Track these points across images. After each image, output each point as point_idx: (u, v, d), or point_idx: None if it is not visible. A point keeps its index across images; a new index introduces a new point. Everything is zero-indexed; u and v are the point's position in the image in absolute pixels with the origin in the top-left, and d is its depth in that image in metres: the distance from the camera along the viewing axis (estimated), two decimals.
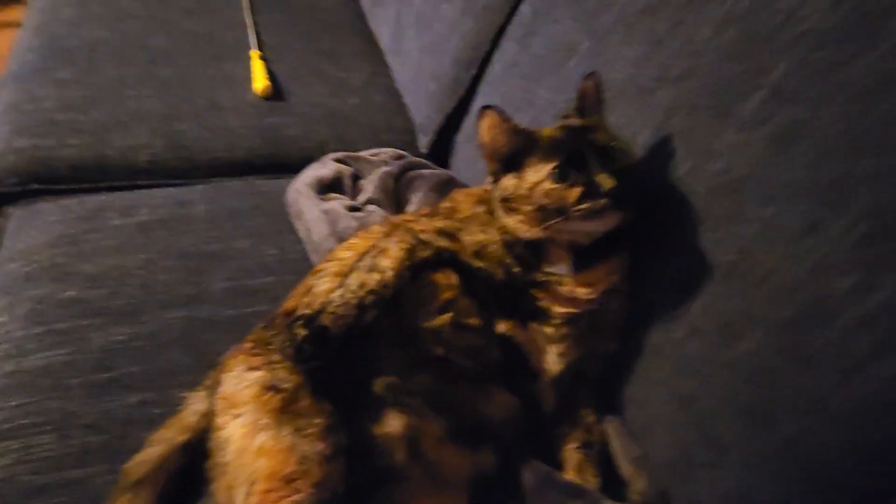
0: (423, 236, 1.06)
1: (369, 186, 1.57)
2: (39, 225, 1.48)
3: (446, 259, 1.05)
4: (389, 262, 1.01)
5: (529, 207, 1.02)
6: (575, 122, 1.06)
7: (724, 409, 0.92)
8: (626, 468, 1.01)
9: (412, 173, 1.57)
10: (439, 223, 1.12)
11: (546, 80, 1.39)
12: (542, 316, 1.05)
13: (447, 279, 1.04)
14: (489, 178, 1.10)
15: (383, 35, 2.20)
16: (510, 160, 1.06)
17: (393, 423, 0.97)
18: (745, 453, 0.89)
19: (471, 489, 1.03)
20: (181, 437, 1.03)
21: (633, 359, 1.06)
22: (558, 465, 1.04)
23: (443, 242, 1.06)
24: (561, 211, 0.99)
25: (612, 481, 1.01)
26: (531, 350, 1.06)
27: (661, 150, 1.08)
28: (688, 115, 1.05)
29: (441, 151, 1.81)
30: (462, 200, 1.18)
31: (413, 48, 1.95)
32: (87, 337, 1.24)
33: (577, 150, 0.99)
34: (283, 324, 1.04)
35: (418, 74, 1.91)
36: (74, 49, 1.99)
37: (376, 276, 1.00)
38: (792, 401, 0.84)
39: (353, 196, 1.58)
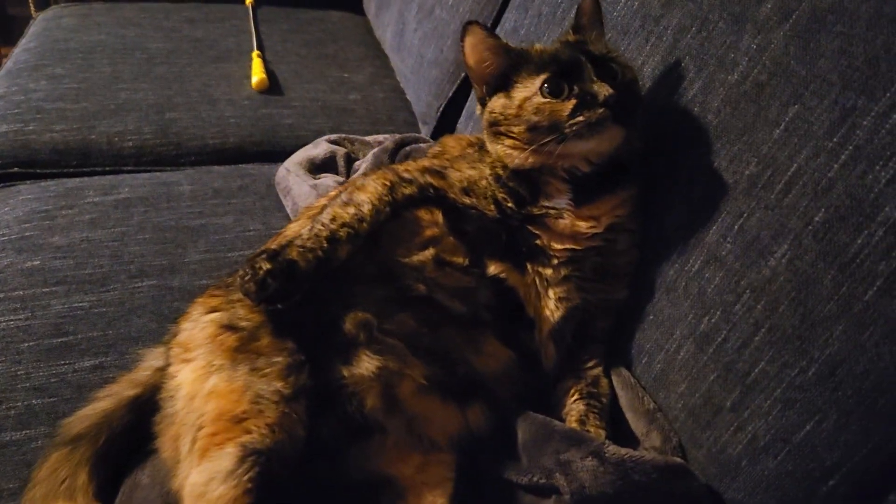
0: (405, 174, 0.95)
1: (364, 165, 1.48)
2: (14, 203, 1.40)
3: (432, 197, 0.94)
4: (367, 196, 0.90)
5: (520, 128, 0.90)
6: (570, 37, 0.96)
7: (749, 340, 0.79)
8: (637, 423, 0.87)
9: (408, 148, 1.48)
10: (425, 162, 1.01)
11: (548, 36, 1.29)
12: (540, 256, 0.93)
13: (432, 216, 0.93)
14: (478, 107, 0.99)
15: (387, 36, 2.15)
16: (499, 81, 0.95)
17: (364, 365, 0.84)
18: (774, 388, 0.75)
19: (460, 450, 0.89)
20: (130, 392, 0.92)
21: (644, 302, 0.93)
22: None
23: (428, 179, 0.95)
24: (554, 128, 0.87)
25: (622, 437, 0.86)
26: (528, 295, 0.93)
27: (672, 74, 0.97)
28: (699, 32, 0.94)
29: None
30: (452, 144, 1.08)
31: (415, 39, 1.89)
32: (46, 304, 1.15)
33: (571, 61, 0.89)
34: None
35: (419, 65, 1.84)
36: (72, 50, 1.96)
37: (351, 210, 0.89)
38: (833, 315, 0.71)
39: (347, 178, 1.49)
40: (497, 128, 0.93)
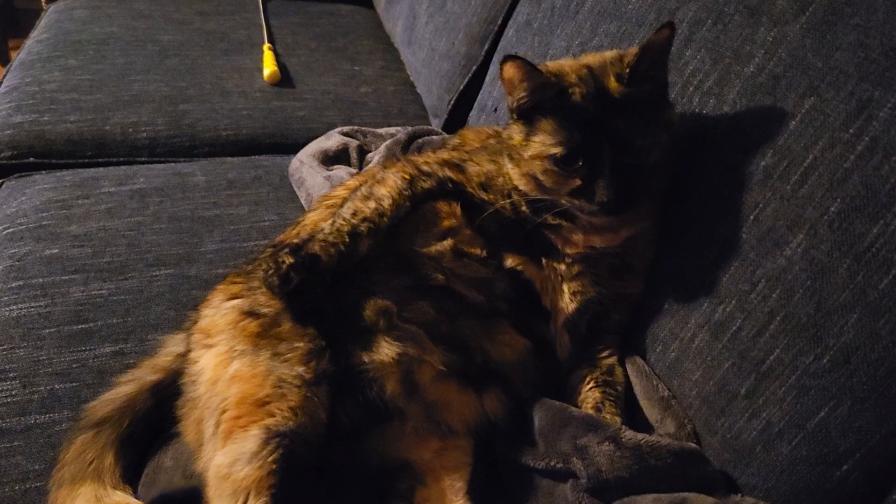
0: (424, 167, 0.96)
1: (376, 157, 1.49)
2: (31, 193, 1.42)
3: (451, 191, 0.95)
4: (387, 190, 0.92)
5: (527, 173, 0.90)
6: (614, 89, 0.86)
7: (763, 328, 0.80)
8: (651, 410, 0.88)
9: (420, 140, 1.49)
10: (445, 155, 1.02)
11: (561, 30, 1.30)
12: (555, 253, 0.94)
13: (450, 208, 0.94)
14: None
15: (397, 30, 2.15)
16: (527, 112, 0.90)
17: (385, 351, 0.86)
18: (789, 375, 0.77)
19: (477, 436, 0.90)
20: (152, 377, 0.93)
21: (659, 292, 0.94)
22: None
23: (447, 173, 0.96)
24: (554, 192, 0.88)
25: (637, 425, 0.87)
26: (544, 287, 0.94)
27: (686, 68, 0.98)
28: (714, 25, 0.95)
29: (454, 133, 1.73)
30: (472, 137, 1.08)
31: (426, 34, 1.90)
32: (65, 291, 1.16)
33: (592, 141, 0.85)
34: (269, 254, 0.95)
35: (431, 58, 1.85)
36: (85, 42, 1.97)
37: (372, 205, 0.90)
38: (847, 303, 0.72)
39: (360, 169, 1.50)
40: (510, 152, 0.92)
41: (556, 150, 0.86)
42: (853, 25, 0.77)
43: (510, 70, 0.88)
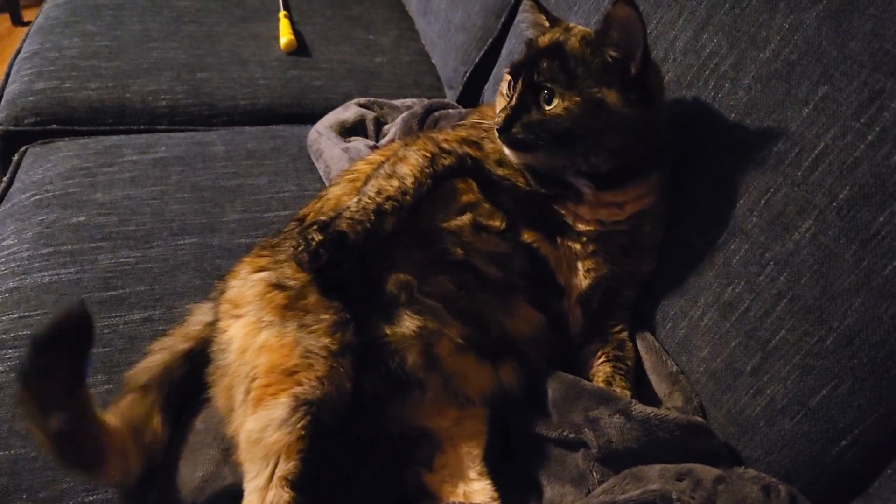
0: (445, 145, 0.99)
1: (392, 129, 1.51)
2: (55, 160, 1.45)
3: (470, 168, 0.98)
4: (409, 168, 0.95)
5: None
6: (570, 44, 0.93)
7: (770, 309, 0.83)
8: (660, 385, 0.92)
9: (437, 113, 1.51)
10: (463, 132, 1.05)
11: (578, 6, 1.32)
12: (568, 231, 0.97)
13: (467, 184, 0.97)
14: None
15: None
16: None
17: (406, 324, 0.89)
18: (794, 355, 0.80)
19: (492, 406, 0.95)
20: (183, 345, 0.97)
21: (670, 271, 0.98)
22: None
23: (466, 150, 0.99)
24: None
25: (645, 398, 0.91)
26: (558, 265, 0.97)
27: (702, 50, 0.99)
28: (732, 9, 0.97)
29: (468, 105, 1.74)
30: (490, 114, 1.10)
31: (441, 4, 1.90)
32: (94, 258, 1.20)
33: (516, 72, 0.94)
34: (294, 229, 0.98)
35: (446, 29, 1.86)
36: (102, 6, 1.98)
37: (395, 183, 0.93)
38: (852, 288, 0.75)
39: (376, 141, 1.52)
40: None
41: (506, 71, 0.96)
42: (869, 15, 0.79)
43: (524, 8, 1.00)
